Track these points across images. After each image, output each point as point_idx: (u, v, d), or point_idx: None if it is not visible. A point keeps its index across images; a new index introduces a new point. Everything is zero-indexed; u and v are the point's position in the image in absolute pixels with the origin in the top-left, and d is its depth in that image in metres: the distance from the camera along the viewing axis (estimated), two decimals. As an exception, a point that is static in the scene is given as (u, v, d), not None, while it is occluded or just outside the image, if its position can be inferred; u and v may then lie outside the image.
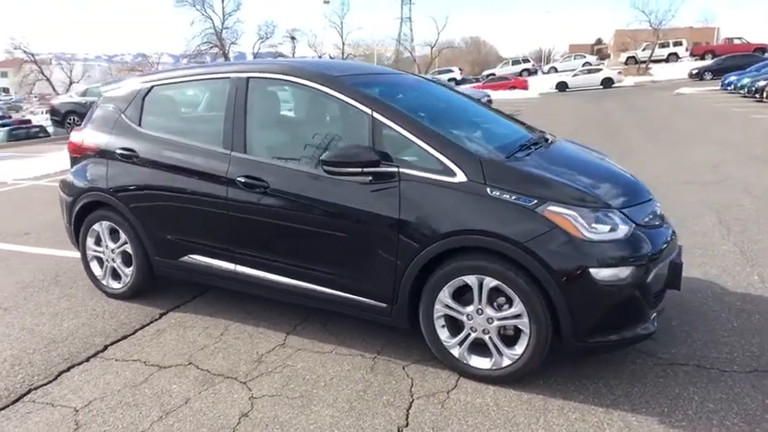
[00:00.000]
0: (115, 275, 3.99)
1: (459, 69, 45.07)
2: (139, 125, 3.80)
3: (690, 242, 4.92)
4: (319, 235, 3.10)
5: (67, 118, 18.31)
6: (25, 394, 2.84)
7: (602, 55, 55.35)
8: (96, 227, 3.97)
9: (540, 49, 73.49)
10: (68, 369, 3.08)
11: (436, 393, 2.78)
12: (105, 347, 3.32)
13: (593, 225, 2.67)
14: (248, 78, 3.43)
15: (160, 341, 3.38)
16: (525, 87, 35.53)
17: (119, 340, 3.41)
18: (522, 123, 3.97)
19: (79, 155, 4.05)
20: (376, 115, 3.00)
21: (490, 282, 2.74)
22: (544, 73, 44.83)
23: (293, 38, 46.99)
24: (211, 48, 45.40)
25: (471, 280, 2.78)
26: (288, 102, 3.42)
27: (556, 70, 43.40)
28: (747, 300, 3.74)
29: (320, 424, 2.56)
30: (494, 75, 41.40)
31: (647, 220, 2.92)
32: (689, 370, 2.94)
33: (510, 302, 2.74)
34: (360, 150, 2.88)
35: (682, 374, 2.90)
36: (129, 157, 3.74)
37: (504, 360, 2.81)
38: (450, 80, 40.85)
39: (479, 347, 2.87)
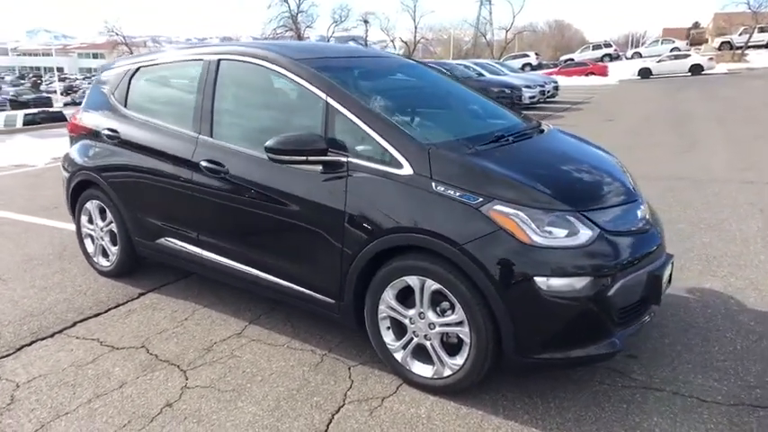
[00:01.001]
0: (104, 253, 4.08)
1: (536, 54, 43.35)
2: (125, 106, 3.83)
3: (721, 249, 4.43)
4: (271, 224, 3.00)
5: None
6: (-25, 367, 2.93)
7: (698, 40, 51.46)
8: (88, 205, 4.06)
9: (630, 33, 69.57)
10: (31, 343, 3.17)
11: (370, 399, 2.62)
12: (74, 324, 3.39)
13: (546, 228, 2.39)
14: (219, 60, 3.35)
15: (126, 322, 3.41)
16: (604, 74, 33.72)
17: (89, 318, 3.47)
18: (519, 113, 3.66)
19: (76, 134, 4.15)
20: (330, 101, 2.83)
21: (432, 285, 2.53)
22: (627, 59, 42.32)
23: (366, 21, 46.95)
24: (287, 31, 46.24)
25: (413, 281, 2.58)
26: (254, 85, 3.30)
27: (640, 56, 40.81)
28: (764, 320, 3.29)
29: (238, 422, 2.47)
30: (572, 60, 39.57)
31: (621, 224, 2.59)
32: (662, 396, 2.60)
33: (453, 308, 2.52)
34: (305, 138, 2.72)
35: (651, 401, 2.57)
36: (113, 138, 3.78)
37: (446, 370, 2.59)
38: (524, 65, 39.58)
39: (424, 354, 2.67)
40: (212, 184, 3.19)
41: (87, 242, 4.18)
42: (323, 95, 2.86)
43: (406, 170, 2.59)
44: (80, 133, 4.09)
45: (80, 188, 4.08)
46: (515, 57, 42.91)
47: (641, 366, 2.85)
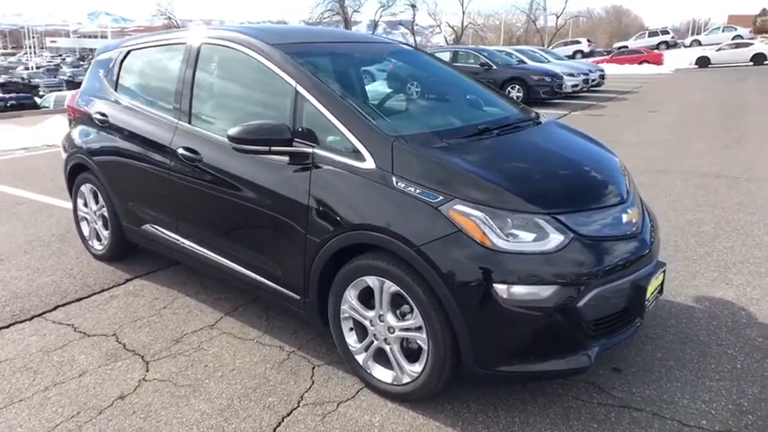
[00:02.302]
0: (98, 237, 4.10)
1: (588, 41, 41.77)
2: (115, 90, 3.81)
3: (743, 255, 4.10)
4: (243, 215, 2.90)
5: None
6: (-51, 347, 2.97)
7: (764, 28, 48.43)
8: (83, 188, 4.08)
9: (692, 19, 66.27)
10: (9, 326, 3.20)
11: (326, 403, 2.50)
12: (55, 308, 3.41)
13: (511, 231, 2.20)
14: (200, 45, 3.27)
15: (105, 308, 3.41)
16: (659, 62, 32.22)
17: (71, 302, 3.48)
18: (517, 104, 3.44)
19: (74, 117, 4.16)
20: (299, 89, 2.70)
21: (390, 286, 2.38)
22: (685, 46, 40.27)
23: (414, 6, 46.33)
24: (334, 15, 46.20)
25: (373, 282, 2.44)
26: (231, 70, 3.20)
27: (699, 44, 38.75)
28: (774, 336, 2.99)
29: (185, 420, 2.40)
30: (625, 47, 37.95)
31: (601, 229, 2.37)
32: (639, 417, 2.39)
33: (412, 312, 2.37)
34: (268, 127, 2.60)
35: (626, 421, 2.36)
36: (104, 122, 3.76)
37: (405, 376, 2.45)
38: (575, 53, 38.30)
39: (386, 358, 2.54)
40: (189, 171, 3.12)
41: (83, 225, 4.21)
42: (292, 82, 2.73)
43: (369, 164, 2.44)
44: (77, 116, 4.10)
45: (75, 171, 4.10)
46: (566, 43, 41.54)
47: (624, 382, 2.63)
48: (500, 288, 2.15)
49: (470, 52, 15.85)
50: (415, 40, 50.39)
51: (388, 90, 3.11)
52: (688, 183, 6.23)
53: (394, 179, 2.36)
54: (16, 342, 3.02)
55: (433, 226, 2.24)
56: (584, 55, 37.47)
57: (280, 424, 2.37)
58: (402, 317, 2.42)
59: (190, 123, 3.19)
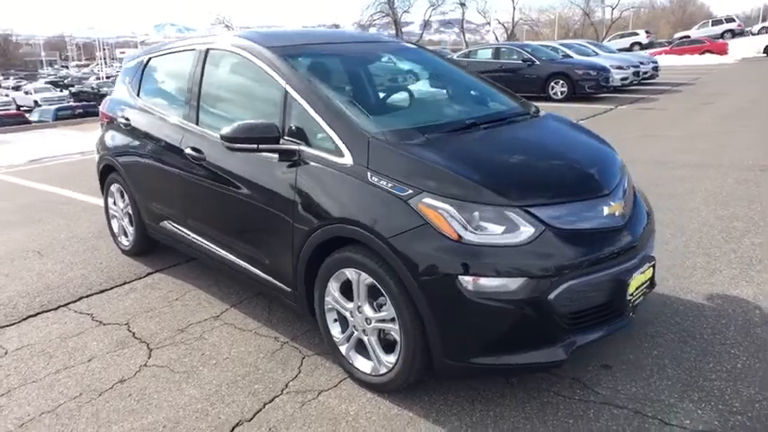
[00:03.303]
0: (125, 233, 4.35)
1: (647, 32, 40.13)
2: (138, 95, 4.04)
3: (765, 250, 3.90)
4: (242, 211, 3.03)
5: None
6: (-19, 332, 3.24)
7: None
8: (112, 188, 4.35)
9: (764, 6, 62.51)
10: (36, 315, 3.46)
11: (308, 392, 2.59)
12: (79, 299, 3.66)
13: (481, 224, 2.21)
14: (207, 50, 3.43)
15: (123, 299, 3.62)
16: (723, 52, 30.60)
17: (94, 294, 3.72)
18: (516, 98, 3.41)
19: (105, 121, 4.44)
20: (288, 89, 2.80)
21: (366, 278, 2.44)
22: (753, 34, 38.05)
23: (463, 4, 45.90)
24: (384, 17, 46.43)
25: (351, 274, 2.50)
26: (231, 73, 3.33)
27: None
28: (785, 336, 2.85)
29: (174, 403, 2.54)
30: (687, 37, 36.23)
31: (578, 221, 2.34)
32: (618, 415, 2.34)
33: (387, 303, 2.42)
34: (257, 126, 2.70)
35: (604, 419, 2.32)
36: (127, 125, 4.00)
37: (382, 367, 2.50)
38: (633, 44, 36.94)
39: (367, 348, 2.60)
40: (195, 170, 3.28)
41: (113, 222, 4.48)
42: (283, 83, 2.83)
43: (347, 159, 2.51)
44: (107, 121, 4.37)
45: (105, 172, 4.37)
46: (623, 36, 40.08)
47: (612, 379, 2.58)
48: (466, 280, 2.17)
49: (513, 48, 15.59)
50: (465, 39, 49.94)
51: (385, 88, 3.16)
52: (728, 177, 5.94)
53: (369, 174, 2.42)
54: (39, 329, 3.27)
55: (402, 219, 2.28)
56: (643, 47, 36.03)
57: (260, 410, 2.47)
58: (378, 308, 2.47)
59: (197, 124, 3.36)
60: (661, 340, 2.89)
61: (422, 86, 3.37)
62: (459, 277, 2.17)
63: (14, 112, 29.88)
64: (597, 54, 17.20)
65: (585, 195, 2.44)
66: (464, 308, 2.20)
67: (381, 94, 3.08)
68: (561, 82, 14.28)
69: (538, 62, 14.66)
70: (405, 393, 2.51)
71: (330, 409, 2.45)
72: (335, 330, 2.70)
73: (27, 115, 26.93)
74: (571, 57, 15.84)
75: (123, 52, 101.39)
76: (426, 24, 46.96)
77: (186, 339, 3.08)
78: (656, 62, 18.09)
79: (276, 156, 2.76)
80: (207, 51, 3.42)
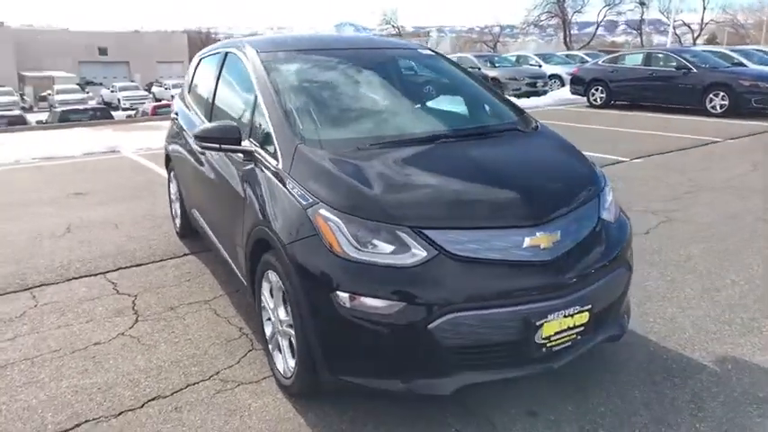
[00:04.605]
0: (178, 216, 4.86)
1: None
2: (187, 92, 4.48)
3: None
4: (220, 203, 3.30)
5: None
6: (26, 289, 3.87)
7: None
8: (171, 174, 4.89)
9: None
10: (79, 278, 4.04)
11: (230, 381, 2.73)
12: (117, 269, 4.19)
13: (371, 241, 2.17)
14: (226, 53, 3.71)
15: (148, 274, 4.07)
16: None
17: (131, 266, 4.23)
18: (515, 113, 3.21)
19: (173, 117, 4.99)
20: (258, 94, 2.97)
21: (278, 281, 2.50)
22: None
23: (642, 3, 42.15)
24: (552, 17, 44.53)
25: (271, 276, 2.59)
26: (233, 76, 3.56)
27: None
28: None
29: (120, 370, 2.83)
30: None
31: (484, 251, 2.17)
32: (505, 466, 2.13)
33: (290, 308, 2.47)
34: (220, 127, 2.90)
35: (486, 466, 2.14)
36: (175, 120, 4.48)
37: (288, 371, 2.55)
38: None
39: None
40: (202, 162, 3.59)
41: (173, 206, 5.03)
42: (255, 88, 3.00)
43: (279, 164, 2.60)
44: (172, 117, 4.91)
45: (167, 161, 4.92)
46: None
47: (528, 429, 2.34)
48: (342, 296, 2.14)
49: (668, 54, 14.08)
50: (642, 41, 45.96)
51: (361, 97, 3.16)
52: None
53: (288, 180, 2.48)
54: (71, 290, 3.82)
55: (299, 227, 2.32)
56: None
57: (180, 390, 2.67)
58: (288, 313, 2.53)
59: (210, 121, 3.66)
60: (620, 394, 2.55)
61: (405, 96, 3.30)
62: (337, 293, 2.15)
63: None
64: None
65: (500, 223, 2.25)
66: (340, 325, 2.17)
67: (354, 103, 3.09)
68: (722, 94, 12.59)
69: (694, 70, 13.09)
70: (308, 400, 2.53)
71: (235, 402, 2.57)
72: (267, 329, 2.80)
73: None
74: (745, 65, 13.88)
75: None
76: (598, 26, 44.04)
77: (169, 317, 3.40)
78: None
79: (241, 155, 2.94)
80: (226, 54, 3.70)
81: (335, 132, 2.78)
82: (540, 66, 20.72)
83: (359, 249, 2.16)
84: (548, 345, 2.22)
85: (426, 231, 2.16)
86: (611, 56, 16.26)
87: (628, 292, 2.68)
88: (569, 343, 2.29)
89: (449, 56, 21.17)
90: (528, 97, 17.20)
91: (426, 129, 2.91)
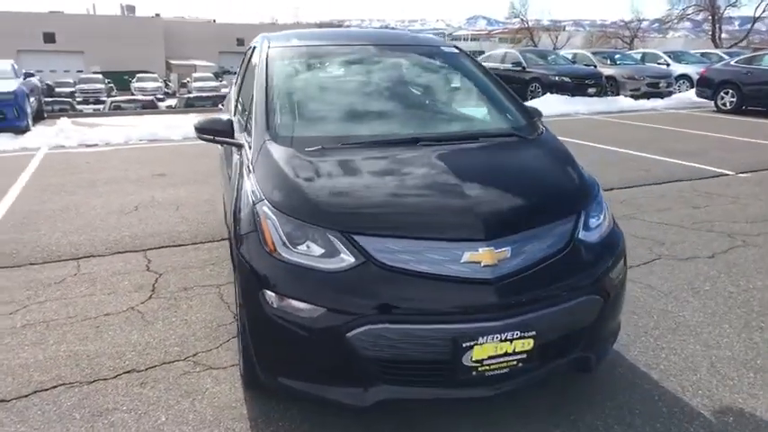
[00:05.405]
0: (227, 202, 5.13)
1: None
2: (237, 82, 4.69)
3: None
4: (226, 196, 3.41)
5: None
6: (76, 258, 4.29)
7: None
8: (224, 163, 5.16)
9: None
10: (123, 252, 4.41)
11: (201, 365, 2.86)
12: (159, 248, 4.52)
13: (304, 242, 2.16)
14: (254, 47, 3.83)
15: (183, 255, 4.35)
16: None
17: (171, 246, 4.54)
18: (529, 118, 3.01)
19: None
20: (255, 88, 3.04)
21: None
22: None
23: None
24: (699, 11, 40.58)
25: (240, 268, 2.65)
26: (252, 68, 3.65)
27: None
28: None
29: (114, 342, 3.07)
30: None
31: (415, 262, 2.07)
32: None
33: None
34: (215, 121, 3.03)
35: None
36: (227, 108, 4.71)
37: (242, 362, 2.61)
38: None
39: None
40: (223, 154, 3.77)
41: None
42: (254, 81, 3.08)
43: (250, 158, 2.65)
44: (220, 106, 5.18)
45: (224, 148, 5.20)
46: None
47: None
48: (270, 296, 2.15)
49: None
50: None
51: (359, 94, 3.11)
52: None
53: (251, 175, 2.53)
54: (111, 264, 4.19)
55: (247, 221, 2.36)
56: None
57: (154, 367, 2.84)
58: (248, 307, 2.58)
59: (234, 111, 3.82)
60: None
61: (395, 96, 3.20)
62: (266, 292, 2.16)
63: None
64: None
65: (438, 235, 2.12)
66: (268, 324, 2.18)
67: (340, 101, 3.05)
68: None
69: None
70: (261, 393, 2.56)
71: (196, 385, 2.68)
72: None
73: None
74: None
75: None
76: (755, 20, 39.34)
77: (179, 297, 3.61)
78: None
79: (235, 147, 3.05)
80: (253, 48, 3.83)
81: (309, 130, 2.79)
82: (668, 65, 19.02)
83: (290, 250, 2.15)
84: (479, 369, 2.07)
85: (356, 237, 2.10)
86: (745, 56, 14.52)
87: (609, 320, 2.42)
88: (507, 370, 2.11)
89: (579, 51, 19.75)
90: (647, 99, 15.90)
91: (406, 131, 2.82)
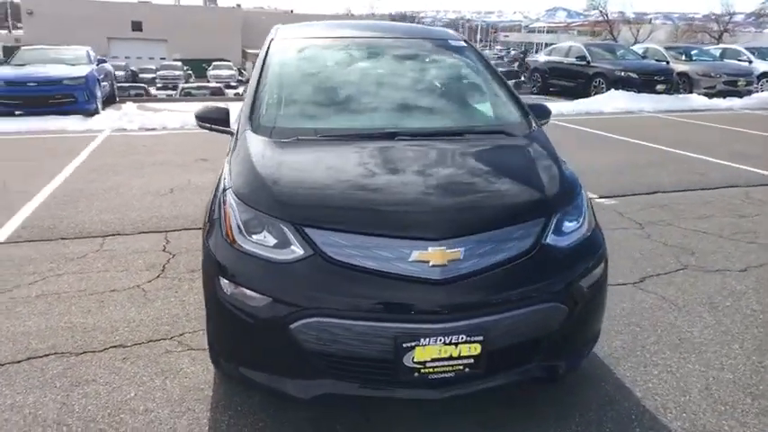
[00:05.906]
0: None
1: None
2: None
3: None
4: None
5: None
6: (104, 236, 4.52)
7: None
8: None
9: None
10: (145, 233, 4.61)
11: (184, 345, 2.96)
12: (180, 230, 4.70)
13: (260, 232, 2.18)
14: (271, 40, 3.88)
15: (197, 238, 4.47)
16: None
17: (187, 229, 4.69)
18: (525, 116, 2.90)
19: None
20: (254, 78, 3.09)
21: (213, 259, 2.63)
22: None
23: None
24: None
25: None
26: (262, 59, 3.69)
27: None
28: None
29: (111, 317, 3.22)
30: None
31: (362, 258, 2.05)
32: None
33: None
34: (211, 110, 3.10)
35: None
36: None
37: (213, 349, 2.67)
38: None
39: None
40: None
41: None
42: (254, 71, 3.13)
43: (231, 146, 2.71)
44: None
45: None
46: None
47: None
48: (224, 283, 2.19)
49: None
50: None
51: (336, 87, 3.11)
52: None
53: (228, 163, 2.57)
54: (132, 242, 4.39)
55: (215, 207, 2.41)
56: None
57: (141, 344, 2.96)
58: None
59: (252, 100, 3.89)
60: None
61: (385, 90, 3.14)
62: (221, 278, 2.20)
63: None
64: None
65: (388, 232, 2.08)
66: (223, 311, 2.22)
67: (326, 93, 3.04)
68: None
69: None
70: (231, 383, 2.60)
71: (173, 364, 2.78)
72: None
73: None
74: None
75: (507, 35, 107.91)
76: None
77: (184, 278, 3.75)
78: None
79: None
80: (271, 41, 3.88)
81: (289, 121, 2.81)
82: (751, 62, 17.69)
83: (246, 239, 2.18)
84: (422, 371, 2.02)
85: (308, 230, 2.10)
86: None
87: (579, 329, 2.30)
88: (453, 374, 2.05)
89: (651, 46, 18.73)
90: (723, 97, 14.87)
91: (388, 125, 2.77)
